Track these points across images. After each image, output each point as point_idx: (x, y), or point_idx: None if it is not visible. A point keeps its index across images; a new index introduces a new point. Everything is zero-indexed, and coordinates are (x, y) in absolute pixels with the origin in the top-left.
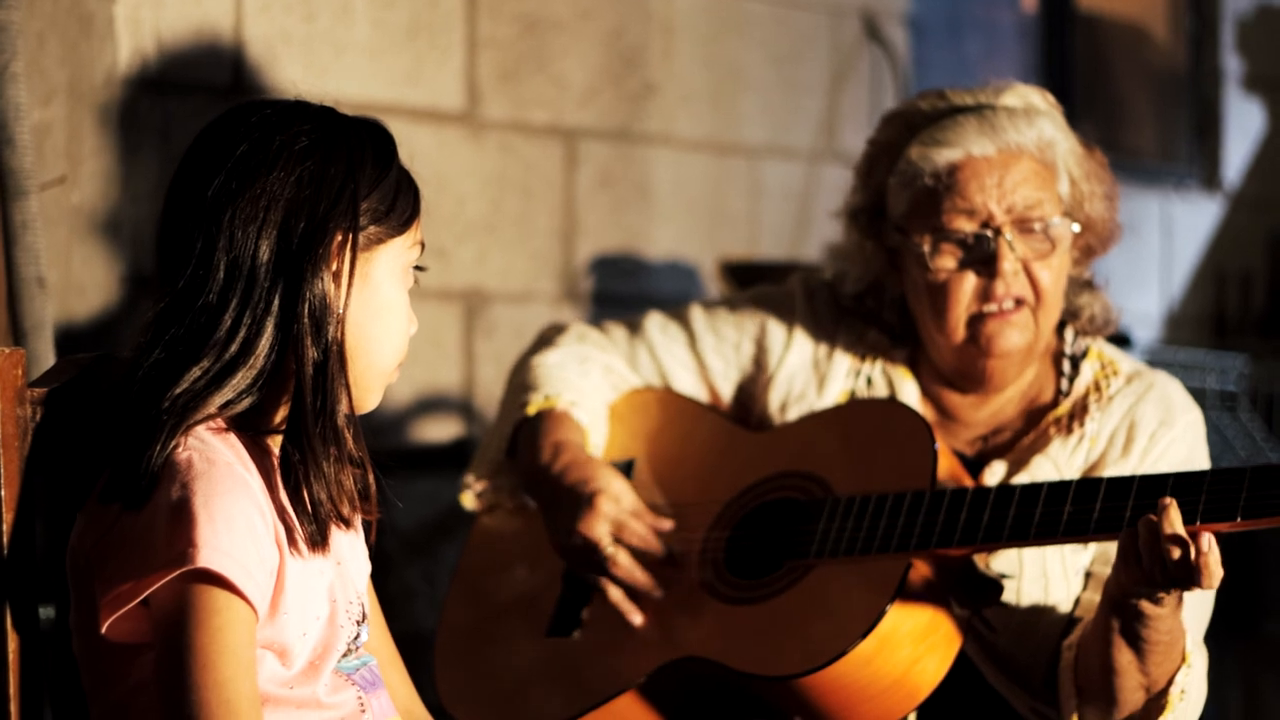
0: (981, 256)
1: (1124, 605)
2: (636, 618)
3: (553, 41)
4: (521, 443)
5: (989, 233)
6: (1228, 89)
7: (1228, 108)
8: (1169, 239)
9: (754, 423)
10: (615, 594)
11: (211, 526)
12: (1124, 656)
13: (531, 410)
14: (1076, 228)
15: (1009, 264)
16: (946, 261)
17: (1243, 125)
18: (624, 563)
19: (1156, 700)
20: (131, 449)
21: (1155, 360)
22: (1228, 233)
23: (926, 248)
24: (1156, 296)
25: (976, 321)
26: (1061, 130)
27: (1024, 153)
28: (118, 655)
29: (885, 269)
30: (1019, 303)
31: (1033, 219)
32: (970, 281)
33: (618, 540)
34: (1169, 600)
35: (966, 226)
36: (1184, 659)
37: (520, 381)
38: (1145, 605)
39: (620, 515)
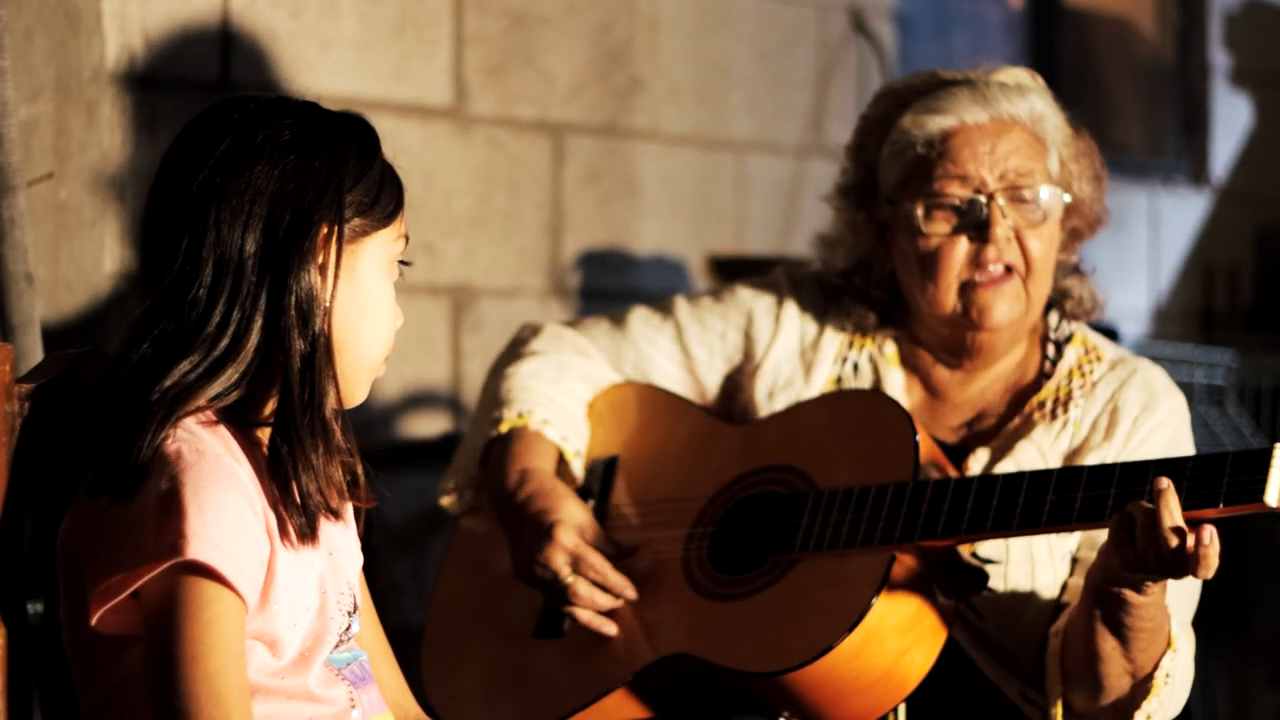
0: (974, 222)
1: (1107, 593)
2: (610, 629)
3: (539, 36)
4: (492, 462)
5: (982, 198)
6: (1215, 83)
7: (1215, 102)
8: (1156, 233)
9: (740, 412)
10: (584, 616)
11: (201, 518)
12: (1107, 643)
13: (504, 428)
14: (1068, 198)
15: (1001, 230)
16: (939, 227)
17: (1230, 120)
18: (583, 593)
19: (1142, 684)
20: (120, 441)
21: (1142, 355)
22: (1215, 227)
23: (919, 213)
24: (1144, 291)
25: (968, 290)
26: (1051, 108)
27: (1016, 123)
28: (107, 648)
29: (874, 245)
30: (1009, 270)
31: (1024, 187)
32: (962, 247)
33: (577, 572)
34: (1154, 589)
35: (959, 192)
36: (1169, 644)
37: (493, 393)
38: (1129, 594)
39: (579, 548)
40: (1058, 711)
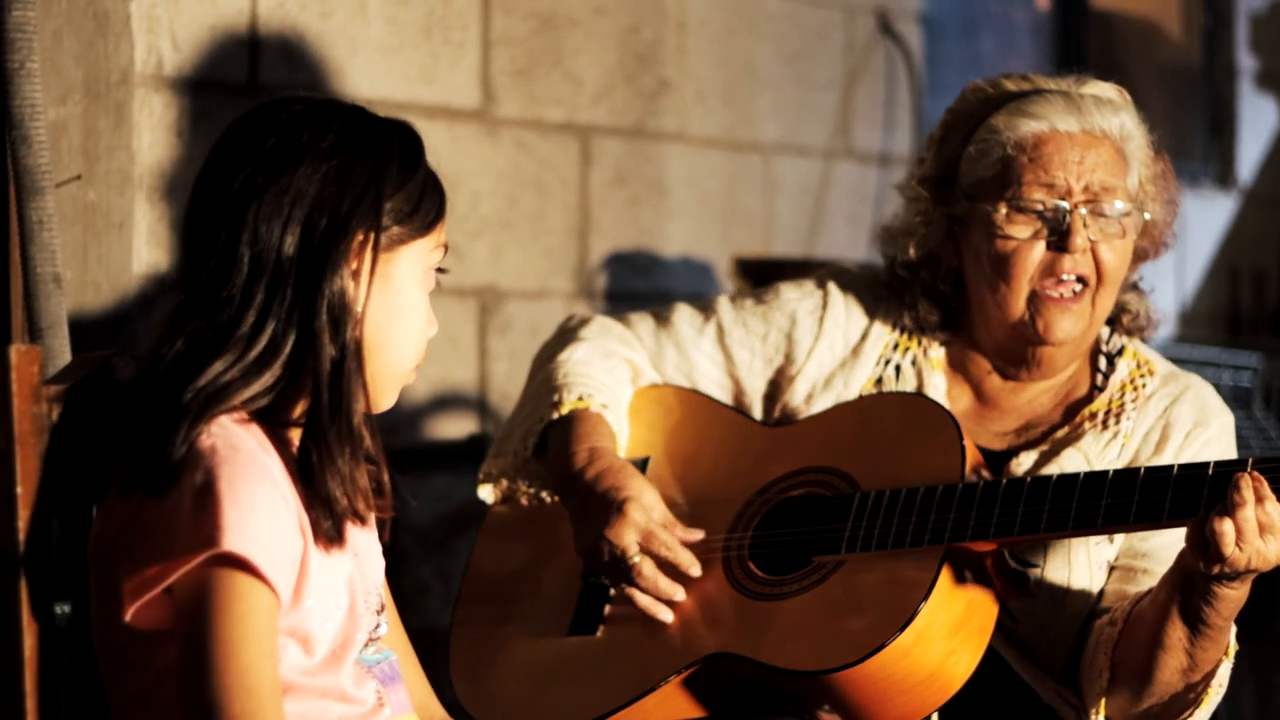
0: (1054, 229)
1: (1194, 581)
2: (666, 616)
3: (567, 38)
4: (553, 443)
5: (1066, 206)
6: (1242, 86)
7: (1242, 105)
8: (1183, 236)
9: (779, 415)
10: (642, 600)
11: (236, 511)
12: (1176, 632)
13: (565, 410)
14: (1148, 215)
15: (1081, 240)
16: (1018, 230)
17: (1256, 122)
18: (648, 573)
19: (1193, 688)
20: (154, 437)
21: (1169, 357)
22: (1242, 230)
23: (1001, 214)
24: (1171, 294)
25: (1036, 301)
26: (1139, 128)
27: (1107, 138)
28: (140, 644)
29: (943, 239)
30: (1082, 284)
31: (1106, 201)
32: (1039, 253)
33: (644, 550)
34: (1242, 585)
35: (1044, 198)
36: (1227, 651)
37: (548, 378)
38: (1219, 587)
39: (649, 525)
40: (1099, 711)
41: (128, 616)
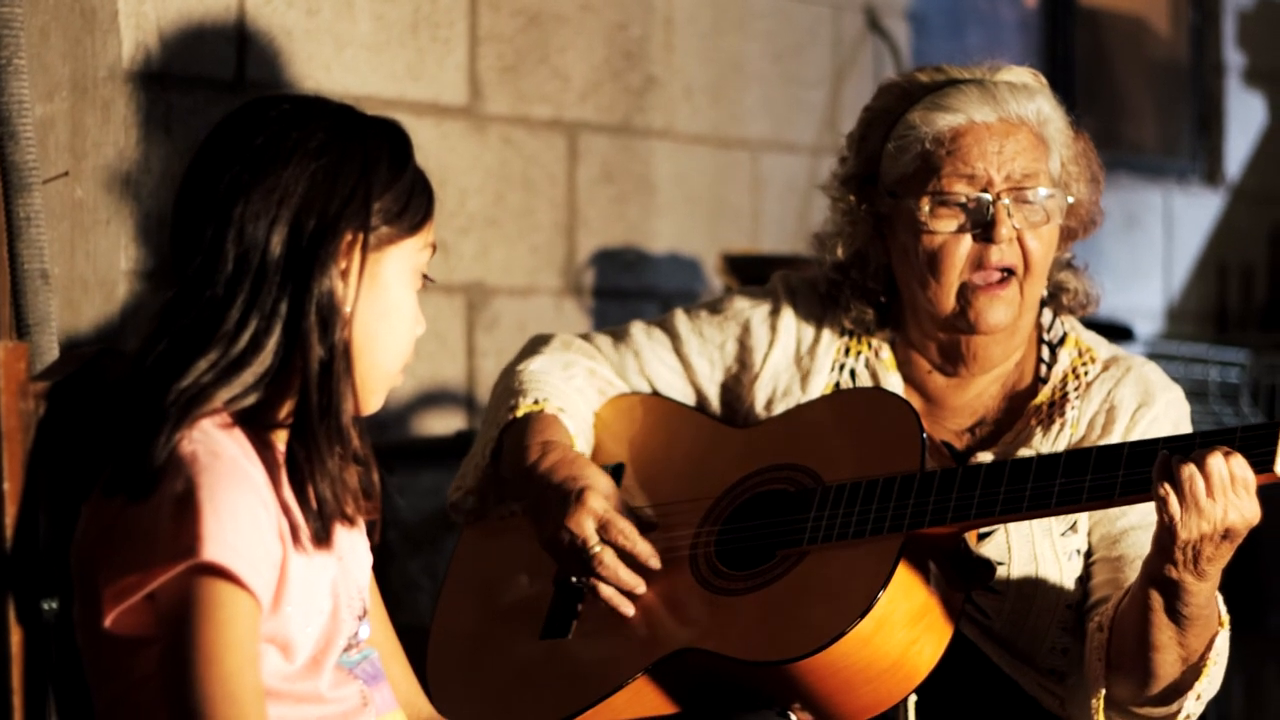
0: (979, 221)
1: (1165, 581)
2: (628, 609)
3: (554, 35)
4: (508, 445)
5: (988, 197)
6: (1229, 83)
7: (1229, 101)
8: (1171, 232)
9: (740, 421)
10: (605, 590)
11: (216, 520)
12: (1164, 634)
13: (519, 413)
14: (1071, 199)
15: (1006, 230)
16: (943, 225)
17: (1244, 119)
18: (609, 561)
19: (1193, 667)
20: (136, 441)
21: (1157, 354)
22: (1229, 226)
23: (925, 209)
24: (1158, 290)
25: (965, 293)
26: (1055, 110)
27: (1024, 124)
28: (121, 649)
29: (871, 237)
30: (1009, 274)
31: (1028, 188)
32: (965, 246)
33: (603, 539)
34: (1212, 572)
35: (966, 190)
36: (1220, 624)
37: (506, 388)
38: (1188, 580)
39: (607, 513)
40: (1099, 704)
41: (107, 622)
